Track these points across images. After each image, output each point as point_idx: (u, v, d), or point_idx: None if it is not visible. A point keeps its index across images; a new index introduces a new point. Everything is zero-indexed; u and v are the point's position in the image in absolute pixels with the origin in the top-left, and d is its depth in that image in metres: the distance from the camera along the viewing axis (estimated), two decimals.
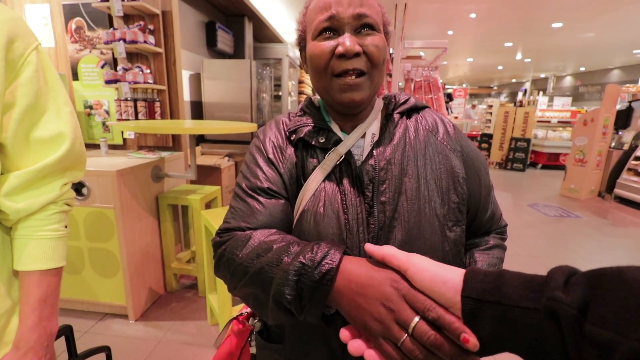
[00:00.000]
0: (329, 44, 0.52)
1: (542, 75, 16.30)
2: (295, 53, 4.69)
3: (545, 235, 3.53)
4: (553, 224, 3.92)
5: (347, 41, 0.50)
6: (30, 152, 0.58)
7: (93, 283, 1.90)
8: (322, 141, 0.57)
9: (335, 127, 0.60)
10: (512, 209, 4.45)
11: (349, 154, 0.56)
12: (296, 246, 0.47)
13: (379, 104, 0.63)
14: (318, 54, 0.53)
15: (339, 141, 0.57)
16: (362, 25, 0.52)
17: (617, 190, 4.92)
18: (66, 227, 0.64)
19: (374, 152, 0.56)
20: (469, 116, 10.44)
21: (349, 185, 0.55)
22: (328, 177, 0.56)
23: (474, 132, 8.67)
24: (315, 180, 0.56)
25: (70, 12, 2.23)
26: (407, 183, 0.54)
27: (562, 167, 6.28)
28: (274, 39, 5.27)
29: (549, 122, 8.39)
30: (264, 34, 4.95)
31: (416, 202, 0.54)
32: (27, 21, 2.23)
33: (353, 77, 0.52)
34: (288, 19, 6.55)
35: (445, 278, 0.35)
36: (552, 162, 7.51)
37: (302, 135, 0.58)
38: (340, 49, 0.51)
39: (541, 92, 11.03)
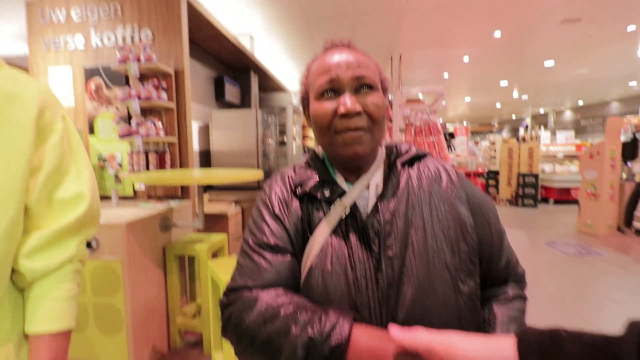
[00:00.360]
0: (330, 104, 0.55)
1: (542, 111, 16.64)
2: (298, 100, 4.91)
3: (567, 276, 3.36)
4: (574, 263, 3.74)
5: (347, 102, 0.53)
6: (51, 212, 0.60)
7: (96, 341, 1.82)
8: (327, 194, 0.57)
9: (340, 179, 0.60)
10: (529, 248, 4.30)
11: (354, 206, 0.56)
12: (304, 313, 0.45)
13: (381, 153, 0.63)
14: (321, 114, 0.55)
15: (344, 193, 0.57)
16: (361, 86, 0.55)
17: (636, 224, 4.76)
18: (78, 285, 0.64)
19: (379, 204, 0.55)
20: (472, 153, 10.52)
21: (355, 239, 0.54)
22: (335, 231, 0.55)
23: (480, 170, 8.66)
24: (321, 235, 0.55)
25: (90, 73, 2.40)
26: (413, 235, 0.53)
27: (575, 202, 6.16)
28: (278, 88, 5.54)
29: (554, 156, 8.40)
30: (269, 85, 5.22)
31: (424, 255, 0.52)
32: (49, 82, 2.41)
33: (355, 132, 0.54)
34: (291, 70, 6.94)
35: (495, 356, 0.32)
36: (564, 196, 7.38)
37: (307, 189, 0.58)
38: (341, 109, 0.53)
39: (542, 127, 11.17)
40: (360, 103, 0.54)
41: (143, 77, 2.32)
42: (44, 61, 2.44)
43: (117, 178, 2.45)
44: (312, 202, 0.58)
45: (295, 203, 0.59)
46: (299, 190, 0.59)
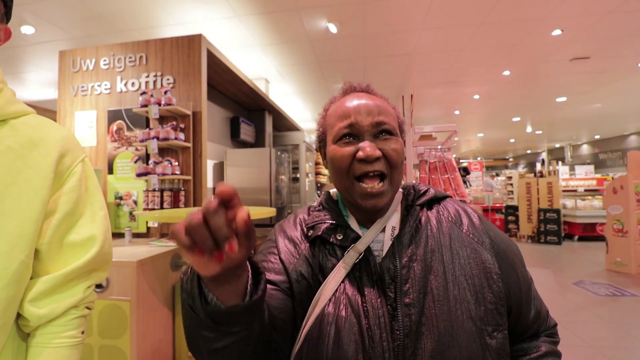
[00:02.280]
0: (349, 149, 0.54)
1: (557, 145, 16.43)
2: (311, 138, 5.03)
3: (600, 319, 3.10)
4: (606, 304, 3.47)
5: (367, 147, 0.52)
6: (61, 255, 0.60)
7: None
8: (340, 238, 0.55)
9: (353, 223, 0.58)
10: (556, 289, 4.03)
11: (367, 250, 0.53)
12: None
13: (398, 195, 0.61)
14: (339, 157, 0.55)
15: (357, 238, 0.55)
16: (381, 132, 0.55)
17: None
18: (83, 332, 0.62)
19: (395, 248, 0.53)
20: (490, 186, 10.30)
21: (369, 285, 0.50)
22: (348, 276, 0.52)
23: (497, 205, 8.43)
24: (334, 280, 0.52)
25: (113, 116, 2.54)
26: (432, 281, 0.49)
27: (601, 238, 5.84)
28: (292, 127, 5.71)
29: (575, 191, 8.13)
30: (282, 124, 5.39)
31: (445, 303, 0.48)
32: (75, 125, 2.55)
33: (376, 183, 0.53)
34: (304, 110, 7.19)
35: None
36: (589, 232, 7.03)
37: (319, 233, 0.57)
38: (361, 154, 0.52)
39: (560, 162, 10.96)
40: (379, 148, 0.53)
41: (162, 119, 2.44)
42: (71, 105, 2.61)
43: (131, 215, 2.49)
44: (324, 245, 0.56)
45: (305, 245, 0.57)
46: (310, 233, 0.58)
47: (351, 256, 0.53)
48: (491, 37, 3.98)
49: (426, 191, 0.61)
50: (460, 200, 0.67)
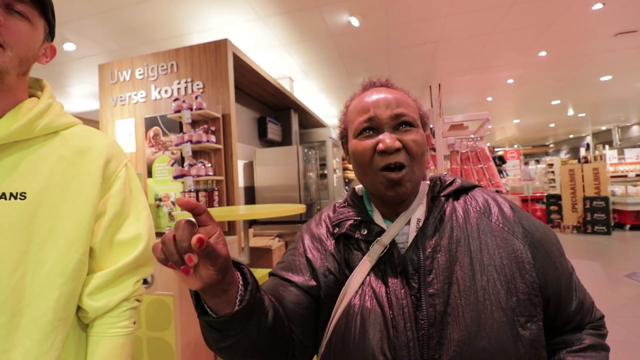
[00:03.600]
0: (370, 142, 0.55)
1: (603, 128, 15.21)
2: (337, 133, 5.02)
3: None
4: None
5: (387, 139, 0.53)
6: (112, 253, 0.65)
7: None
8: (364, 233, 0.57)
9: (377, 217, 0.59)
10: (606, 282, 3.77)
11: (392, 243, 0.54)
12: None
13: (424, 187, 0.61)
14: (361, 151, 0.56)
15: (381, 232, 0.56)
16: (400, 123, 0.55)
17: None
18: (134, 323, 0.68)
19: (419, 239, 0.53)
20: (528, 175, 9.77)
21: (393, 276, 0.52)
22: (373, 269, 0.54)
23: (538, 194, 7.97)
24: (360, 273, 0.54)
25: (150, 123, 2.69)
26: (458, 272, 0.50)
27: None
28: (317, 124, 5.73)
29: (625, 176, 7.51)
30: (308, 121, 5.42)
31: (472, 293, 0.48)
32: (116, 133, 2.72)
33: (396, 171, 0.54)
34: (329, 107, 7.18)
35: None
36: None
37: (344, 230, 0.59)
38: (381, 146, 0.53)
39: (607, 146, 10.16)
40: (399, 140, 0.54)
41: (194, 123, 2.55)
42: (112, 115, 2.79)
43: (170, 216, 2.63)
44: (349, 241, 0.58)
45: (331, 242, 0.59)
46: (336, 231, 0.60)
47: (376, 249, 0.55)
48: (524, 17, 3.76)
49: (452, 182, 0.61)
50: (496, 191, 0.65)
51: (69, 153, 0.62)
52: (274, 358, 0.51)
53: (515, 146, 17.83)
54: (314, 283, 0.57)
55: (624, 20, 4.00)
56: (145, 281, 1.87)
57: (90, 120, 6.34)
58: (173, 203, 2.62)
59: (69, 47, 3.81)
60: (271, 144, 4.29)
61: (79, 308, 0.62)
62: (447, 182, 0.61)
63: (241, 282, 0.46)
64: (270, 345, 0.50)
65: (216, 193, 2.48)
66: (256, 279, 0.49)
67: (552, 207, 7.29)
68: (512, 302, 0.48)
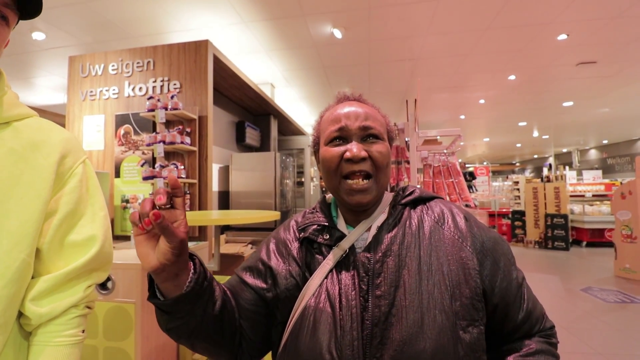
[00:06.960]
0: (338, 150, 0.59)
1: (565, 150, 16.26)
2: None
3: (609, 326, 3.05)
4: (615, 311, 3.41)
5: (354, 148, 0.57)
6: (62, 255, 0.60)
7: None
8: (326, 238, 0.60)
9: (341, 224, 0.63)
10: (564, 295, 3.97)
11: (351, 248, 0.58)
12: None
13: (387, 197, 0.66)
14: (329, 158, 0.60)
15: (342, 237, 0.59)
16: (368, 135, 0.60)
17: None
18: (83, 331, 0.63)
19: (372, 243, 0.57)
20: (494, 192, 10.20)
21: (347, 279, 0.55)
22: (331, 272, 0.57)
23: (504, 210, 8.35)
24: (318, 276, 0.57)
25: (121, 121, 2.58)
26: (405, 276, 0.53)
27: (609, 244, 5.75)
28: (297, 132, 5.74)
29: (582, 196, 8.03)
30: (288, 128, 5.42)
31: (417, 296, 0.51)
32: (83, 129, 2.59)
33: (360, 179, 0.57)
34: (309, 115, 7.22)
35: None
36: (597, 238, 6.93)
37: (307, 234, 0.62)
38: (348, 154, 0.57)
39: (567, 167, 10.84)
40: (366, 150, 0.58)
41: (169, 123, 2.47)
42: (80, 110, 2.66)
43: None
44: (312, 245, 0.62)
45: (295, 247, 0.63)
46: (301, 235, 0.63)
47: (336, 253, 0.58)
48: (497, 42, 3.98)
49: (412, 192, 0.65)
50: (465, 205, 0.68)
51: (20, 146, 0.58)
52: (219, 345, 0.56)
53: (485, 163, 18.65)
54: (266, 286, 0.61)
55: (585, 51, 4.32)
56: (105, 287, 1.77)
57: (56, 114, 6.00)
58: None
59: (38, 36, 3.60)
60: (249, 149, 4.23)
61: (20, 314, 0.57)
62: (407, 193, 0.65)
63: (192, 271, 0.50)
64: (215, 332, 0.54)
65: (188, 197, 2.40)
66: (207, 269, 0.54)
67: (517, 223, 7.65)
68: (455, 306, 0.51)
